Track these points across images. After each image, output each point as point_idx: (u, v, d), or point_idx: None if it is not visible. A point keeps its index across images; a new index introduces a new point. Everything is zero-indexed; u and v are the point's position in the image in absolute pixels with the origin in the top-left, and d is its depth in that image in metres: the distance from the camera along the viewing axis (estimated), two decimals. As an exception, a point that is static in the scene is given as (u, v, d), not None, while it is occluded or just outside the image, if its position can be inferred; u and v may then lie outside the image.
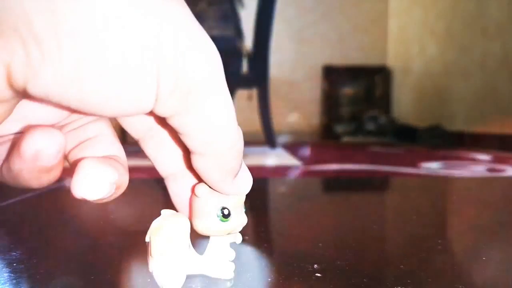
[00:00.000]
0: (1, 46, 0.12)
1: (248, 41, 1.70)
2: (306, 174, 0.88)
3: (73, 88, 0.13)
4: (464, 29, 1.95)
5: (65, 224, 0.38)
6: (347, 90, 2.82)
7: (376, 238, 0.33)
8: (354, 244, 0.30)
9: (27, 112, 0.16)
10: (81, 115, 0.18)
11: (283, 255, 0.28)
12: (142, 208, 0.46)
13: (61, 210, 0.46)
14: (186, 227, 0.20)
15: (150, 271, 0.20)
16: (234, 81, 1.50)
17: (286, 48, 2.73)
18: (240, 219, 0.21)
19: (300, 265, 0.25)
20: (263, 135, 1.60)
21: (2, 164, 0.16)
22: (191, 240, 0.21)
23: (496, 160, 1.22)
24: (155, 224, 0.20)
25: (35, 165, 0.14)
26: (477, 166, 1.03)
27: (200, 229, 0.20)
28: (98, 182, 0.15)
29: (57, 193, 0.56)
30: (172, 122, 0.15)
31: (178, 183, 0.21)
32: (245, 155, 0.23)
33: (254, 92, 1.63)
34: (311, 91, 2.82)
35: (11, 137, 0.17)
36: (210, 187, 0.19)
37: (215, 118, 0.15)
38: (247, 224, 0.21)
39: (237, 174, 0.18)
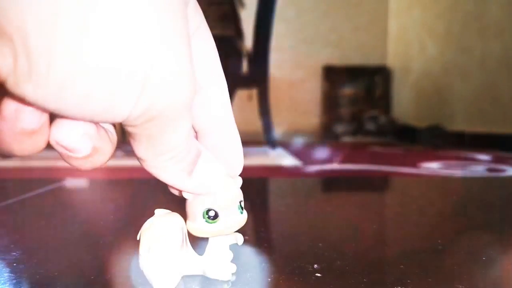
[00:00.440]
0: None
1: (248, 41, 1.70)
2: (306, 174, 0.88)
3: (52, 102, 0.13)
4: (464, 29, 1.95)
5: (65, 224, 0.38)
6: (347, 90, 2.82)
7: (376, 238, 0.33)
8: (354, 244, 0.30)
9: None
10: None
11: (283, 255, 0.28)
12: (142, 208, 0.46)
13: (61, 210, 0.46)
14: (177, 226, 0.20)
15: (141, 268, 0.20)
16: (234, 81, 1.50)
17: (286, 48, 2.73)
18: (233, 219, 0.20)
19: (300, 265, 0.25)
20: (263, 135, 1.60)
21: None
22: (192, 240, 0.21)
23: (496, 160, 1.22)
24: (147, 222, 0.20)
25: (16, 126, 0.14)
26: (477, 166, 1.03)
27: (191, 230, 0.21)
28: (72, 129, 0.15)
29: (57, 193, 0.56)
30: (127, 128, 0.16)
31: None
32: (245, 155, 0.22)
33: (254, 92, 1.64)
34: (311, 91, 2.82)
35: None
36: None
37: (167, 141, 0.16)
38: (247, 224, 0.21)
39: (190, 171, 0.18)
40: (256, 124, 1.59)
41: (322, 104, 2.83)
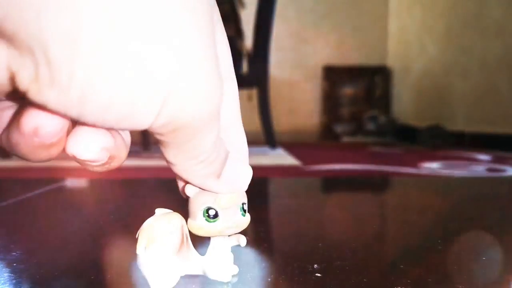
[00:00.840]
0: (14, 55, 0.12)
1: (248, 41, 1.70)
2: (306, 174, 0.88)
3: (73, 110, 0.13)
4: (464, 29, 1.95)
5: (65, 224, 0.38)
6: (347, 90, 2.82)
7: (376, 238, 0.33)
8: (354, 244, 0.30)
9: None
10: None
11: (283, 255, 0.28)
12: (142, 208, 0.46)
13: (61, 210, 0.46)
14: (176, 226, 0.20)
15: (139, 267, 0.20)
16: (234, 81, 1.49)
17: (286, 48, 2.73)
18: (233, 220, 0.20)
19: (300, 265, 0.25)
20: (263, 135, 1.60)
21: (2, 132, 0.15)
22: (194, 240, 0.21)
23: (496, 160, 1.22)
24: (146, 221, 0.20)
25: (34, 141, 0.14)
26: (477, 166, 1.03)
27: (191, 229, 0.21)
28: (90, 143, 0.15)
29: (57, 193, 0.56)
30: (155, 134, 0.16)
31: None
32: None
33: (254, 92, 1.64)
34: (311, 91, 2.82)
35: (15, 104, 0.16)
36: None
37: (196, 148, 0.16)
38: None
39: (219, 174, 0.18)
40: (256, 124, 1.60)
41: (322, 104, 2.83)
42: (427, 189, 0.62)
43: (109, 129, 0.15)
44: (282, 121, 2.59)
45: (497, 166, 1.05)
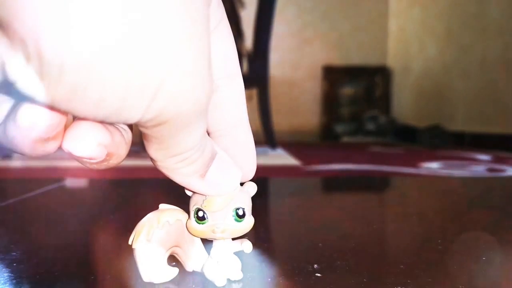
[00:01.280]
0: (5, 44, 0.12)
1: (248, 41, 1.70)
2: (306, 174, 0.88)
3: (63, 104, 0.13)
4: (464, 29, 1.96)
5: (65, 224, 0.38)
6: (347, 90, 2.82)
7: (376, 238, 0.33)
8: (354, 244, 0.30)
9: None
10: None
11: (283, 255, 0.28)
12: (142, 208, 0.46)
13: (61, 210, 0.46)
14: (163, 221, 0.21)
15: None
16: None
17: (286, 48, 2.73)
18: (222, 224, 0.20)
19: (300, 265, 0.25)
20: (263, 135, 1.60)
21: (0, 125, 0.15)
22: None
23: (496, 160, 1.22)
24: (146, 216, 0.21)
25: (30, 135, 0.14)
26: (477, 166, 1.03)
27: (187, 228, 0.21)
28: (87, 139, 0.15)
29: (57, 193, 0.56)
30: (139, 127, 0.15)
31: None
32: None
33: (254, 92, 1.64)
34: (311, 91, 2.82)
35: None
36: None
37: (179, 144, 0.16)
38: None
39: (203, 174, 0.18)
40: (256, 124, 1.60)
41: (322, 104, 2.83)
42: (427, 189, 0.62)
43: (106, 124, 0.15)
44: (282, 121, 2.59)
45: (497, 166, 1.05)
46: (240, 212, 0.20)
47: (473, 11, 1.88)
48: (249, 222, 0.21)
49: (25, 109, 0.13)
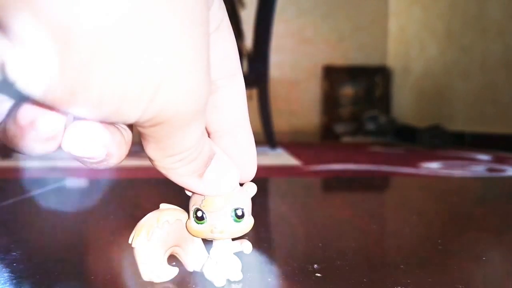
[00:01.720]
0: (5, 45, 0.12)
1: (248, 41, 1.70)
2: (306, 174, 0.88)
3: (62, 105, 0.13)
4: (464, 29, 1.95)
5: (65, 224, 0.38)
6: (347, 90, 2.82)
7: (376, 238, 0.33)
8: (354, 244, 0.30)
9: None
10: None
11: (283, 255, 0.28)
12: (142, 208, 0.46)
13: (61, 210, 0.46)
14: (163, 221, 0.21)
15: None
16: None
17: (286, 48, 2.73)
18: (220, 224, 0.20)
19: (300, 265, 0.25)
20: (263, 135, 1.60)
21: (0, 124, 0.15)
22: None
23: (496, 160, 1.22)
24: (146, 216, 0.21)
25: (30, 134, 0.14)
26: (477, 166, 1.03)
27: (187, 227, 0.21)
28: (87, 139, 0.15)
29: (57, 193, 0.56)
30: (137, 127, 0.15)
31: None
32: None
33: (254, 92, 1.64)
34: (311, 91, 2.82)
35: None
36: None
37: (176, 145, 0.16)
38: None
39: (201, 174, 0.18)
40: (256, 124, 1.60)
41: (322, 104, 2.83)
42: (427, 189, 0.62)
43: (106, 124, 0.15)
44: (282, 121, 2.59)
45: (497, 166, 1.05)
46: (239, 213, 0.20)
47: (474, 12, 1.88)
48: (248, 222, 0.21)
49: (25, 108, 0.13)
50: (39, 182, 0.67)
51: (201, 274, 0.22)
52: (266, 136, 1.59)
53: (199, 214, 0.20)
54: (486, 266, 0.26)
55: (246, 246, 0.21)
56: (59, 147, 0.15)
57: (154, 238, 0.21)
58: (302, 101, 2.81)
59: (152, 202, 0.49)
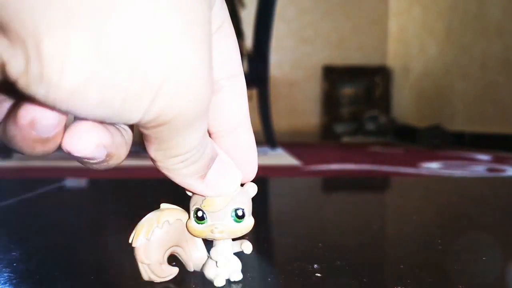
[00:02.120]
0: (5, 45, 0.12)
1: (248, 41, 1.70)
2: (306, 174, 0.88)
3: (63, 105, 0.13)
4: (464, 29, 1.96)
5: (65, 224, 0.38)
6: (347, 90, 2.82)
7: (376, 238, 0.33)
8: (354, 244, 0.30)
9: None
10: None
11: (283, 255, 0.28)
12: (142, 208, 0.46)
13: (61, 210, 0.46)
14: (163, 221, 0.21)
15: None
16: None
17: (286, 48, 2.74)
18: (220, 224, 0.20)
19: (300, 265, 0.25)
20: (263, 135, 1.60)
21: (0, 123, 0.15)
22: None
23: (496, 160, 1.22)
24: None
25: (30, 134, 0.14)
26: (477, 166, 1.03)
27: (187, 227, 0.21)
28: (87, 139, 0.15)
29: (57, 193, 0.56)
30: (139, 128, 0.15)
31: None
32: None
33: (254, 92, 1.64)
34: (311, 91, 2.82)
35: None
36: None
37: (178, 146, 0.16)
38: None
39: (203, 175, 0.18)
40: (256, 124, 1.59)
41: (322, 104, 2.83)
42: (427, 189, 0.62)
43: (106, 125, 0.15)
44: (282, 121, 2.59)
45: (497, 166, 1.05)
46: (240, 213, 0.20)
47: (473, 12, 1.88)
48: (248, 222, 0.21)
49: (25, 109, 0.13)
50: (39, 182, 0.67)
51: (201, 274, 0.22)
52: (266, 136, 1.59)
53: (200, 214, 0.20)
54: (486, 266, 0.26)
55: (246, 246, 0.21)
56: (59, 147, 0.15)
57: (154, 238, 0.21)
58: (302, 101, 2.81)
59: (151, 202, 0.49)
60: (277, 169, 0.97)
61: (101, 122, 0.15)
